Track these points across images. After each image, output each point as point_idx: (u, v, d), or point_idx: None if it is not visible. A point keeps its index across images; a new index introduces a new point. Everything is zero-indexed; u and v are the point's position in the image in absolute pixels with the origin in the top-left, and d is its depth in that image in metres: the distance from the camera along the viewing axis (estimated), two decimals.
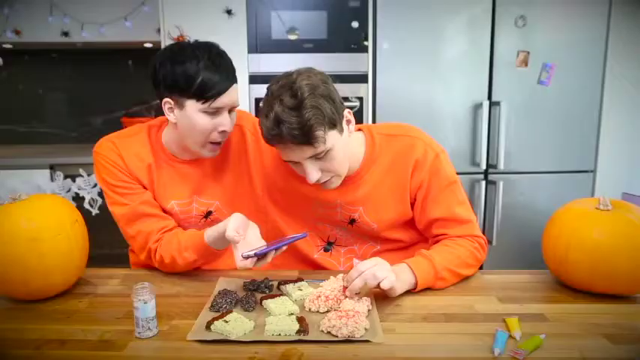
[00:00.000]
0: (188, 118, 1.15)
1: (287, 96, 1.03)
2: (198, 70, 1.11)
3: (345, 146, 1.12)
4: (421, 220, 1.24)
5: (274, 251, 1.08)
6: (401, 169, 1.21)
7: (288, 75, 1.07)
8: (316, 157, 1.08)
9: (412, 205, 1.24)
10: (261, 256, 1.05)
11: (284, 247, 1.10)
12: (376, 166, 1.22)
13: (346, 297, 1.03)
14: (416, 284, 1.09)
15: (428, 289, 1.12)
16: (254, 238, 1.10)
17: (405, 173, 1.20)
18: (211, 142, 1.19)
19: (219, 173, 1.31)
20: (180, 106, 1.15)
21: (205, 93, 1.12)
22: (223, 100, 1.14)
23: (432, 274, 1.10)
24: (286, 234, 1.31)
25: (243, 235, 1.07)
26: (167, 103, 1.17)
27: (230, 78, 1.16)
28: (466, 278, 1.19)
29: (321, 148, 1.06)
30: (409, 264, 1.10)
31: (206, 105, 1.13)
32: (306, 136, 1.02)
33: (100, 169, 1.24)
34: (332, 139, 1.07)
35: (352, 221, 1.27)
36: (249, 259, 1.03)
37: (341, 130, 1.10)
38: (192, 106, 1.14)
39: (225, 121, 1.17)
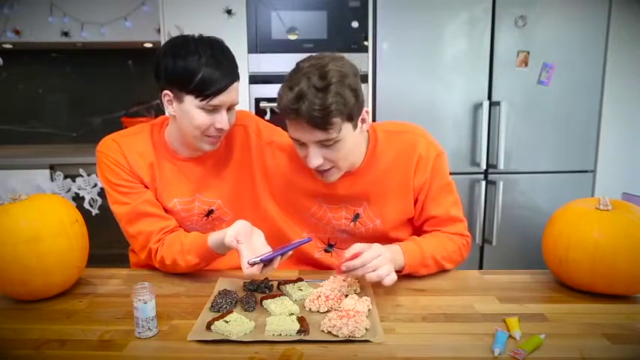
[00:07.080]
0: (186, 113, 1.15)
1: (316, 76, 1.03)
2: (199, 66, 1.11)
3: (353, 142, 1.13)
4: (419, 218, 1.28)
5: (280, 257, 1.07)
6: (404, 165, 1.23)
7: (321, 56, 1.08)
8: (323, 144, 1.09)
9: (414, 203, 1.26)
10: (267, 262, 1.04)
11: (289, 252, 1.09)
12: (379, 162, 1.24)
13: (346, 296, 1.04)
14: (403, 268, 1.13)
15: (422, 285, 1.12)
16: (259, 244, 1.10)
17: (408, 170, 1.23)
18: (208, 136, 1.19)
19: (221, 172, 1.31)
20: (179, 100, 1.16)
21: (204, 90, 1.12)
22: (222, 98, 1.14)
23: (418, 260, 1.16)
24: (288, 235, 1.31)
25: (244, 242, 1.06)
26: (166, 95, 1.18)
27: (231, 76, 1.15)
28: (445, 271, 1.24)
29: (332, 136, 1.07)
30: (403, 249, 1.14)
31: (204, 102, 1.13)
32: (323, 120, 1.03)
33: (102, 167, 1.24)
34: (345, 131, 1.08)
35: (356, 217, 1.28)
36: (256, 266, 1.02)
37: (355, 126, 1.12)
38: (190, 101, 1.14)
39: (222, 119, 1.17)
